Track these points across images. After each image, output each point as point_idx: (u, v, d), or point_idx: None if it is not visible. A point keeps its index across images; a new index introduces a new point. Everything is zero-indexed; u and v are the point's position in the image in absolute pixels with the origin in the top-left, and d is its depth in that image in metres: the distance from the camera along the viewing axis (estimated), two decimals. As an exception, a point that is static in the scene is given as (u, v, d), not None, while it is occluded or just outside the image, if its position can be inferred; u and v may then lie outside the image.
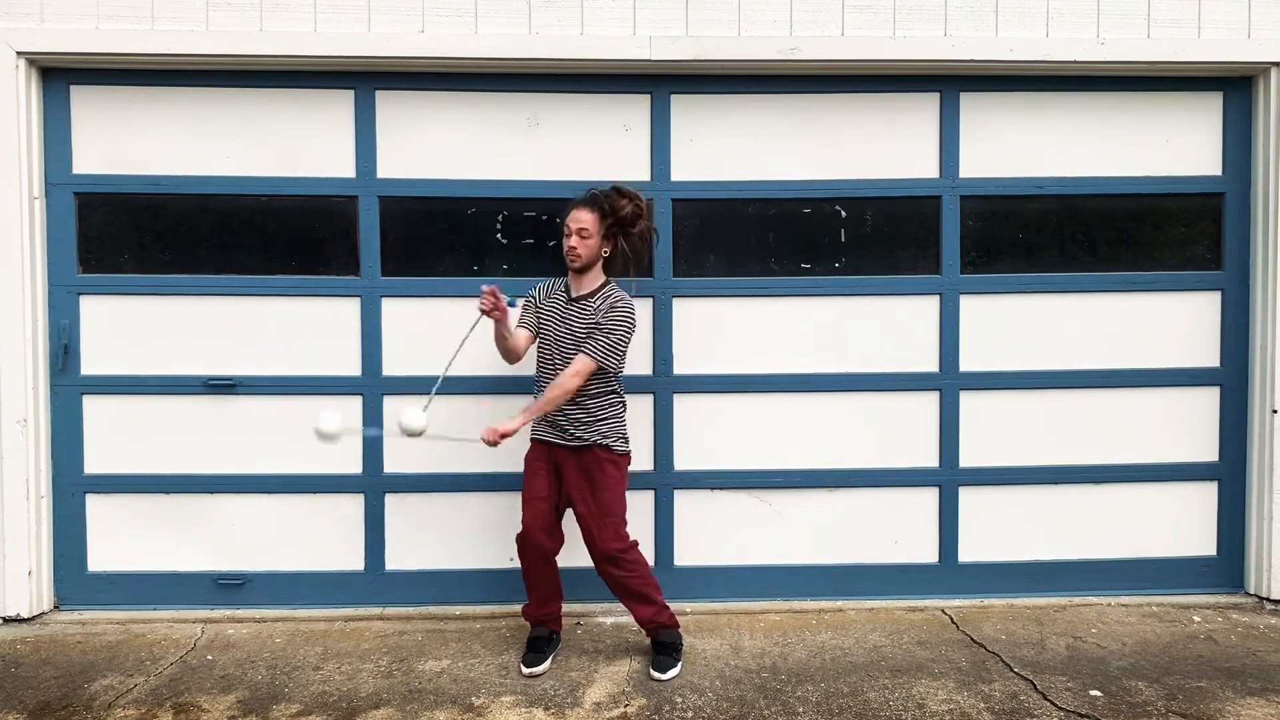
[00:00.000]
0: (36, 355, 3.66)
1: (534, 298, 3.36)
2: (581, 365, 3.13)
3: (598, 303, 3.21)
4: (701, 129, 3.83)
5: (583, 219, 3.18)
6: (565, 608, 3.41)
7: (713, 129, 3.84)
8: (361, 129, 3.76)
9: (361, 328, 3.77)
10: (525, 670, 3.20)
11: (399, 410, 3.09)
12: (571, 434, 3.22)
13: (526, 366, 3.81)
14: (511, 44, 3.64)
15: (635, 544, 3.25)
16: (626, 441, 3.30)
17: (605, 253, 3.25)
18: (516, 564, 3.81)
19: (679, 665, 3.20)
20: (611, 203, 3.21)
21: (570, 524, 3.28)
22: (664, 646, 3.23)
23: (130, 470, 3.76)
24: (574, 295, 3.25)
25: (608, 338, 3.15)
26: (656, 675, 3.14)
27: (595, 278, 3.26)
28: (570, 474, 3.24)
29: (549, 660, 3.26)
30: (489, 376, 3.78)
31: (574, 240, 3.18)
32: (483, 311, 3.13)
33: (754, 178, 3.82)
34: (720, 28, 3.68)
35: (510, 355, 3.32)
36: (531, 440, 3.35)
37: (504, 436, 3.08)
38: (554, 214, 3.80)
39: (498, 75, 3.76)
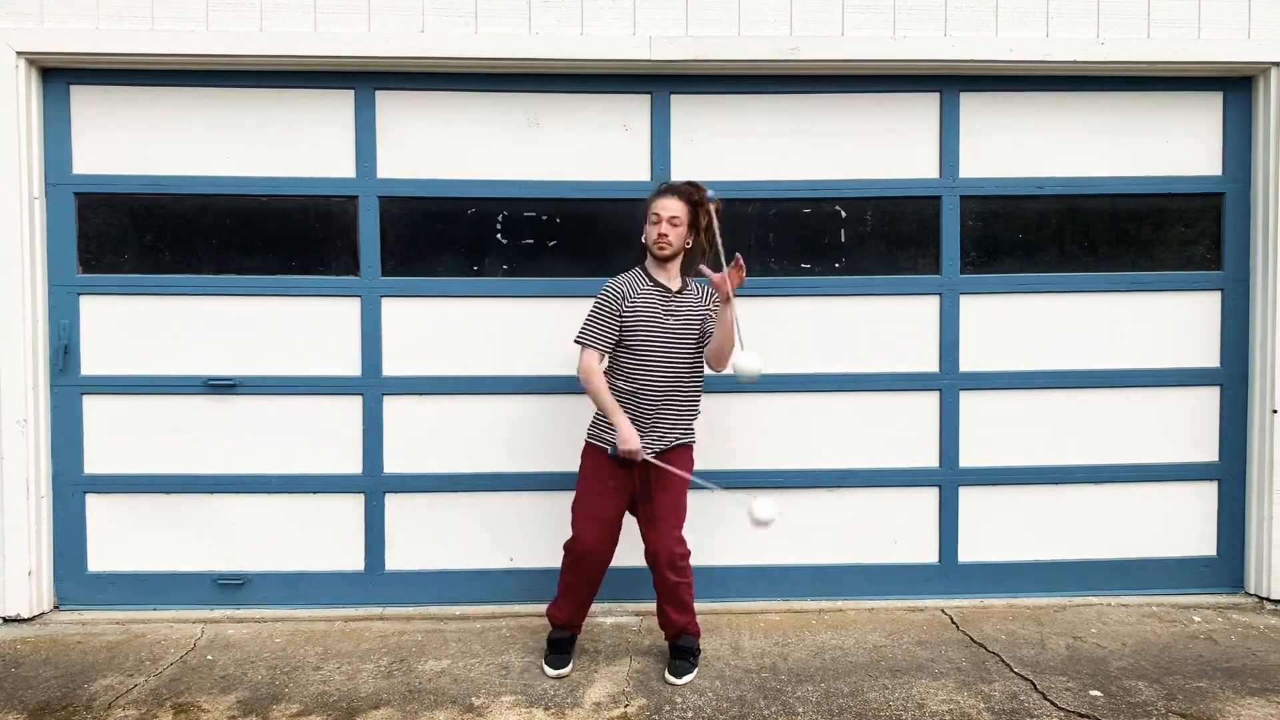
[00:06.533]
0: (36, 355, 3.66)
1: (620, 301, 3.11)
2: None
3: (697, 293, 3.19)
4: (701, 129, 3.83)
5: (673, 207, 3.09)
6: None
7: (712, 129, 3.84)
8: (361, 129, 3.76)
9: (361, 328, 3.77)
10: (551, 672, 3.16)
11: (751, 504, 2.87)
12: (674, 436, 3.16)
13: (516, 367, 3.82)
14: (511, 44, 3.64)
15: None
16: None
17: (688, 244, 3.16)
18: (516, 564, 3.82)
19: (695, 670, 3.17)
20: (700, 194, 3.11)
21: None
22: (683, 651, 3.19)
23: (130, 470, 3.76)
24: (672, 289, 3.15)
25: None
26: (672, 680, 3.10)
27: (677, 268, 3.18)
28: (651, 475, 3.11)
29: (573, 662, 3.23)
30: (484, 377, 3.80)
31: (664, 228, 3.08)
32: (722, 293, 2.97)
33: (754, 178, 3.82)
34: (720, 28, 3.68)
35: (720, 361, 3.13)
36: (598, 448, 3.17)
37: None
38: (554, 214, 3.80)
39: (498, 75, 3.75)
